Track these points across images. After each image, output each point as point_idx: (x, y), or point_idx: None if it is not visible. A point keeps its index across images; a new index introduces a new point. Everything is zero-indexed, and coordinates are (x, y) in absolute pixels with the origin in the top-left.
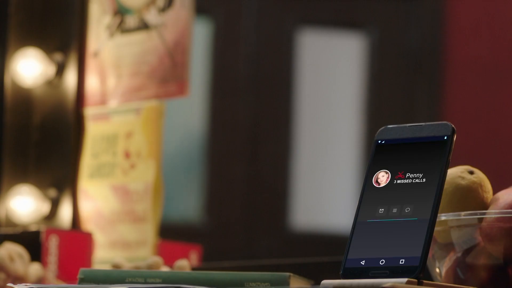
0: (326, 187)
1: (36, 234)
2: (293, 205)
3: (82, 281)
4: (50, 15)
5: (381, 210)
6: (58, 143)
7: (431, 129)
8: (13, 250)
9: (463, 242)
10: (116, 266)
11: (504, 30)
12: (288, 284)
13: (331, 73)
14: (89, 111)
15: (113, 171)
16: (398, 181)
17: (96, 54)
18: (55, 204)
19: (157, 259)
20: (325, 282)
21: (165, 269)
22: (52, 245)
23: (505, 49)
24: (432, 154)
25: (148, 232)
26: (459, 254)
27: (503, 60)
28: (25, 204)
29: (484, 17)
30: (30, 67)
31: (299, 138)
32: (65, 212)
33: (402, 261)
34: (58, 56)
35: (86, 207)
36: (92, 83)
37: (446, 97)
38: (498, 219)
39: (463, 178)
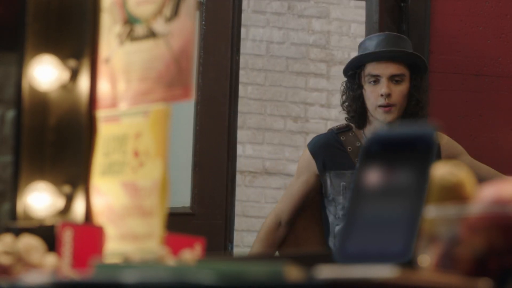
0: None
1: (52, 227)
2: None
3: (95, 271)
4: (65, 25)
5: (372, 205)
6: (72, 143)
7: (416, 131)
8: (30, 242)
9: (448, 235)
10: (125, 258)
11: None
12: (284, 273)
13: None
14: (101, 114)
15: (123, 169)
16: (387, 179)
17: (107, 61)
18: (69, 200)
19: (164, 251)
20: (320, 270)
21: (171, 260)
22: (67, 237)
23: None
24: (418, 153)
25: (156, 225)
26: (444, 246)
27: None
28: (42, 199)
29: None
30: (46, 73)
31: None
32: (78, 207)
33: (391, 251)
34: (72, 62)
35: (98, 202)
36: (103, 87)
37: None
38: (482, 214)
39: (449, 175)
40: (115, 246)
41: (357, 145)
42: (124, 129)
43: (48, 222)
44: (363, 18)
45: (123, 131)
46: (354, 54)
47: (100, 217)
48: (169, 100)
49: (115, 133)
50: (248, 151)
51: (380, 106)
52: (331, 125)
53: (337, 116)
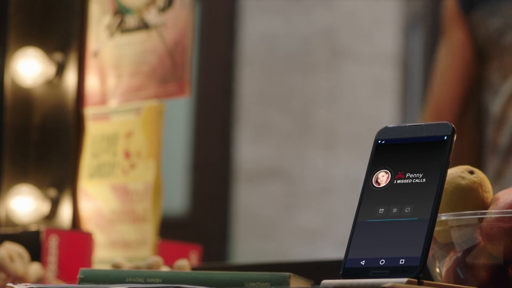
0: None
1: (36, 234)
2: None
3: (82, 281)
4: (50, 15)
5: (381, 210)
6: (58, 143)
7: (431, 129)
8: (13, 250)
9: (463, 242)
10: (116, 266)
11: None
12: (288, 284)
13: None
14: (89, 111)
15: (113, 171)
16: (398, 181)
17: (96, 54)
18: (55, 204)
19: (157, 259)
20: (325, 282)
21: (165, 269)
22: (52, 245)
23: None
24: (432, 154)
25: (148, 232)
26: (459, 254)
27: None
28: (25, 204)
29: None
30: (30, 67)
31: None
32: (65, 212)
33: (402, 261)
34: (58, 56)
35: (86, 207)
36: (92, 83)
37: None
38: (498, 219)
39: (463, 178)
40: (105, 254)
41: None
42: (114, 128)
43: (32, 228)
44: (370, 8)
45: (113, 130)
46: (362, 46)
47: (88, 223)
48: (163, 96)
49: (104, 132)
50: (247, 151)
51: None
52: (336, 123)
53: (342, 113)
